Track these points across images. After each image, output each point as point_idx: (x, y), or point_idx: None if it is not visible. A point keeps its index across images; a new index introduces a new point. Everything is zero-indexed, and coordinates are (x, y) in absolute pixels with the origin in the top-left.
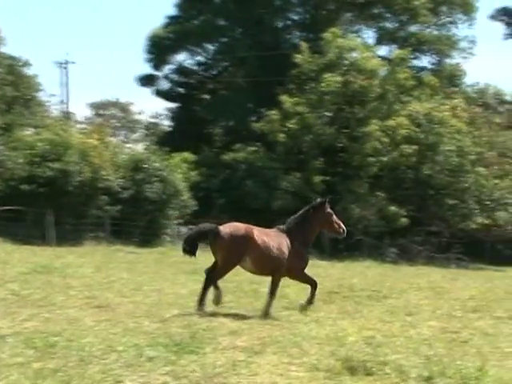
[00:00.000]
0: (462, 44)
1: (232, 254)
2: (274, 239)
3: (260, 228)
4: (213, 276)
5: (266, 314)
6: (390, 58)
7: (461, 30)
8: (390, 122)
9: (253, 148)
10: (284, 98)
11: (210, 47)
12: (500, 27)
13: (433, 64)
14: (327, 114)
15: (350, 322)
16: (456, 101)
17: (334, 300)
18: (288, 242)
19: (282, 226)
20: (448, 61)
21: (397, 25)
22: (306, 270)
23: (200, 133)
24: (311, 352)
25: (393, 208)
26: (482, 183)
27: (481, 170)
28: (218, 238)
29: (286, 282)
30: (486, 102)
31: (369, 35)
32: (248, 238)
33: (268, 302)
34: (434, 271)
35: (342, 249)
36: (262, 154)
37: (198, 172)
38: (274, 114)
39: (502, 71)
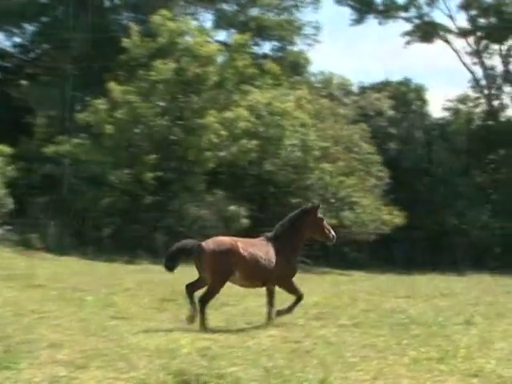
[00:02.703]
0: (307, 30)
1: (220, 270)
2: (260, 249)
3: (245, 239)
4: (204, 297)
5: (269, 321)
6: (229, 44)
7: (305, 15)
8: (229, 114)
9: (78, 140)
10: (112, 85)
11: (29, 27)
12: (347, 12)
13: (275, 51)
14: (160, 103)
15: (183, 332)
16: (300, 91)
17: (166, 308)
18: (274, 249)
19: (269, 234)
20: (291, 48)
21: (236, 8)
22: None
23: (18, 122)
24: (140, 365)
25: (232, 207)
26: (326, 181)
27: (326, 166)
28: (203, 256)
29: (113, 289)
30: (331, 92)
31: (206, 19)
32: (234, 252)
33: (268, 312)
34: None
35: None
36: (89, 147)
37: (16, 166)
38: (100, 103)
39: (350, 59)
